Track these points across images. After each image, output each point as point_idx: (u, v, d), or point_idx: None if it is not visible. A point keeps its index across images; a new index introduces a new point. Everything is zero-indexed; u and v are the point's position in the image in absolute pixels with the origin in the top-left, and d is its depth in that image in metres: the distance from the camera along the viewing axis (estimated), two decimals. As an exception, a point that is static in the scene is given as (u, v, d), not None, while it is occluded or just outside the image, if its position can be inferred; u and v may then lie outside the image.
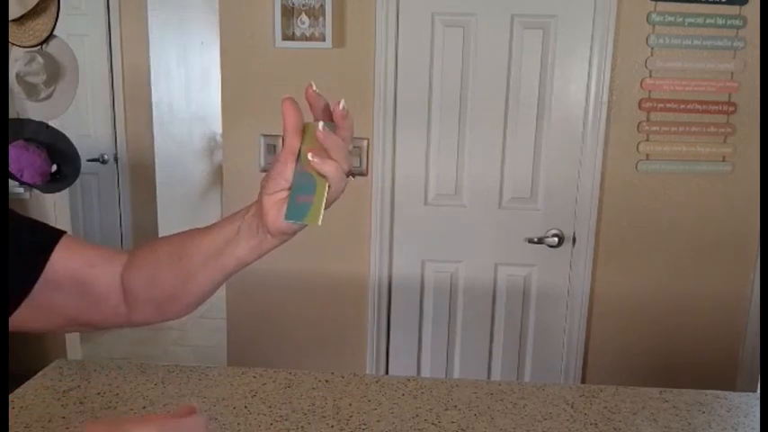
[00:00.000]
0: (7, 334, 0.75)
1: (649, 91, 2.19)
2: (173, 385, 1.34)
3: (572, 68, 2.21)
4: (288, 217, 0.68)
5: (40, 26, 2.36)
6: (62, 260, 0.79)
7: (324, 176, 0.66)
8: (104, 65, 3.94)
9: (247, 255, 0.74)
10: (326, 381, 1.36)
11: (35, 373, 1.38)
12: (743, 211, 2.27)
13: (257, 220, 0.70)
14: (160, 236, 4.19)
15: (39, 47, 2.40)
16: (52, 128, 2.52)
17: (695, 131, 2.21)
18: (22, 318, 0.77)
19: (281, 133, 0.67)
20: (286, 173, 0.67)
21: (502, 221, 2.33)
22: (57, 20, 2.36)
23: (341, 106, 0.65)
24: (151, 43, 3.97)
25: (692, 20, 2.13)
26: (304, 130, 0.67)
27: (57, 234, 0.81)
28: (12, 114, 2.53)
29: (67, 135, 2.56)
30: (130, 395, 1.30)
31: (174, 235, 0.80)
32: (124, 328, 0.85)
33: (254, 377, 1.38)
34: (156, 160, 4.14)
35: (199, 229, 0.78)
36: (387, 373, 2.47)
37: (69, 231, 2.80)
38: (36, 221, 0.82)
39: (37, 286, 0.77)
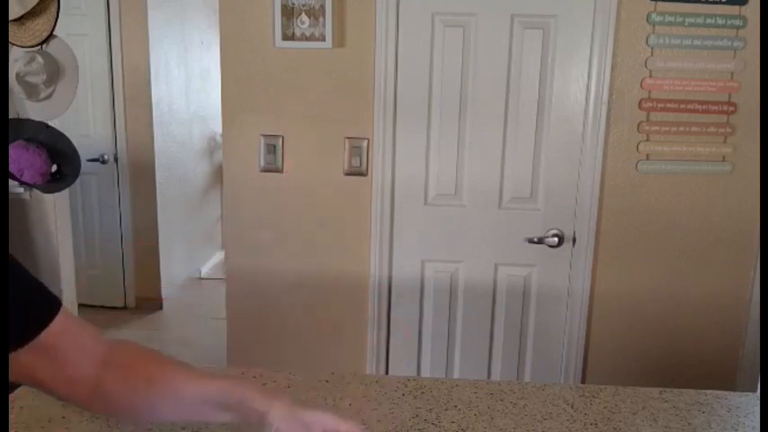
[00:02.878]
0: (7, 334, 0.75)
1: (649, 91, 2.19)
2: (173, 385, 1.34)
3: (572, 68, 2.21)
4: None
5: (40, 26, 2.36)
6: (54, 333, 0.79)
7: None
8: (104, 65, 3.94)
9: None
10: (326, 381, 1.36)
11: (35, 374, 1.38)
12: (743, 211, 2.26)
13: None
14: (159, 238, 4.19)
15: (39, 47, 2.40)
16: (52, 128, 2.52)
17: (695, 131, 2.21)
18: None
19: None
20: None
21: (502, 221, 2.33)
22: (57, 20, 2.36)
23: None
24: (151, 43, 3.97)
25: (692, 20, 2.13)
26: None
27: (56, 305, 0.81)
28: (12, 114, 2.53)
29: (67, 135, 2.56)
30: (130, 395, 1.29)
31: (160, 364, 0.85)
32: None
33: (254, 377, 1.37)
34: (156, 160, 4.14)
35: (192, 374, 0.85)
36: (387, 373, 2.47)
37: (69, 231, 2.78)
38: (41, 285, 0.82)
39: (23, 348, 0.78)
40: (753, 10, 2.11)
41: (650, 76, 2.18)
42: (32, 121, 2.49)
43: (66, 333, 0.81)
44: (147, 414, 0.83)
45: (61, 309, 0.82)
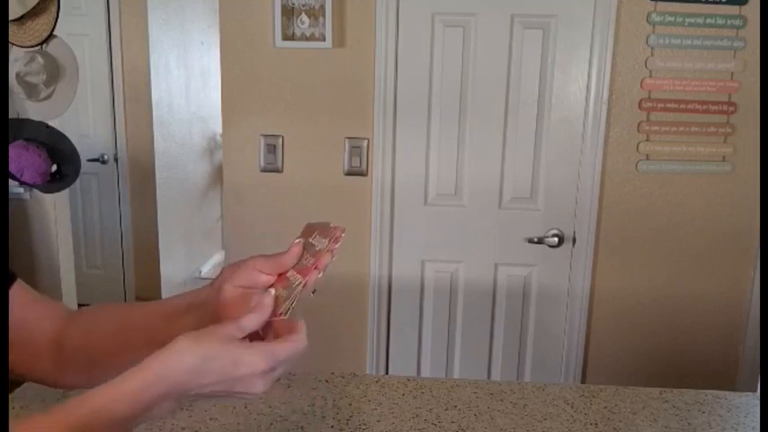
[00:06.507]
0: (7, 335, 0.75)
1: (649, 91, 2.19)
2: (173, 385, 1.34)
3: (572, 68, 2.21)
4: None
5: (40, 26, 2.36)
6: (11, 302, 0.78)
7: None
8: (104, 65, 3.94)
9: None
10: (326, 381, 1.36)
11: (35, 373, 1.38)
12: (743, 211, 2.26)
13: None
14: (159, 238, 4.19)
15: (39, 47, 2.40)
16: (52, 128, 2.51)
17: (695, 131, 2.21)
18: None
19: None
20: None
21: (502, 221, 2.33)
22: (57, 20, 2.36)
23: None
24: (151, 43, 3.96)
25: (692, 20, 2.13)
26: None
27: (7, 278, 0.81)
28: (12, 114, 2.53)
29: (67, 135, 2.56)
30: (130, 395, 1.29)
31: (121, 305, 0.83)
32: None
33: (254, 377, 1.37)
34: (156, 160, 4.13)
35: (147, 303, 0.84)
36: (387, 373, 2.47)
37: (69, 231, 2.78)
38: None
39: None
40: (753, 10, 2.11)
41: (650, 76, 2.18)
42: (32, 121, 2.49)
43: (21, 306, 0.80)
44: (121, 361, 0.77)
45: (17, 281, 0.81)
